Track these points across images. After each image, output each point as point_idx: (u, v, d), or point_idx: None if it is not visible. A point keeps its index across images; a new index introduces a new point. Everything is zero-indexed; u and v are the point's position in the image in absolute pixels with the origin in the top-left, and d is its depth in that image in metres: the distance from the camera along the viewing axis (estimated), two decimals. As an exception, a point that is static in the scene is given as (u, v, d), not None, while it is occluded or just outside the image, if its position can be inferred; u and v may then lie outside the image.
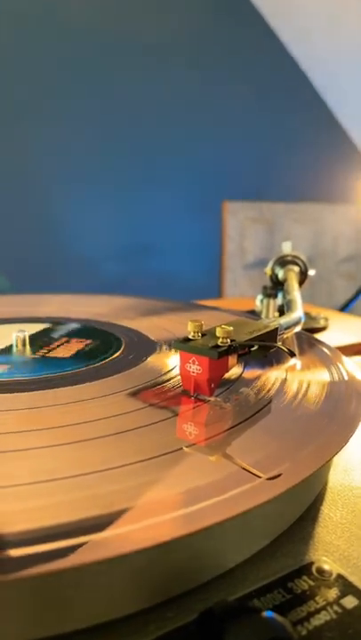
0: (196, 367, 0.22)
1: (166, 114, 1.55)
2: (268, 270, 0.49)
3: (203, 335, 0.23)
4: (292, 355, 0.23)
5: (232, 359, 0.23)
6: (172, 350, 0.30)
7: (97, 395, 0.23)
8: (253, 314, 0.51)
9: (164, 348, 0.31)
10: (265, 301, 0.49)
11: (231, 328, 0.22)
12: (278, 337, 0.27)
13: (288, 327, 0.29)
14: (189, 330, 0.23)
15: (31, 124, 1.38)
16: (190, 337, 0.23)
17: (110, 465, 0.17)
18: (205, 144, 1.62)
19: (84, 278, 1.47)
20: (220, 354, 0.21)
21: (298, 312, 0.32)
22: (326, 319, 0.54)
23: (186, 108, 1.57)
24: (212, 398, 0.23)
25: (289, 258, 0.49)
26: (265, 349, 0.25)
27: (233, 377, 0.26)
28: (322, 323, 0.52)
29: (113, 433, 0.20)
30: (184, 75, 1.54)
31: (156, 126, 1.54)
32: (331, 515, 0.20)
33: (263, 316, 0.49)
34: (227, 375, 0.25)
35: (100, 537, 0.13)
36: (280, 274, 0.48)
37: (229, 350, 0.22)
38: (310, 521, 0.20)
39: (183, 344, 0.22)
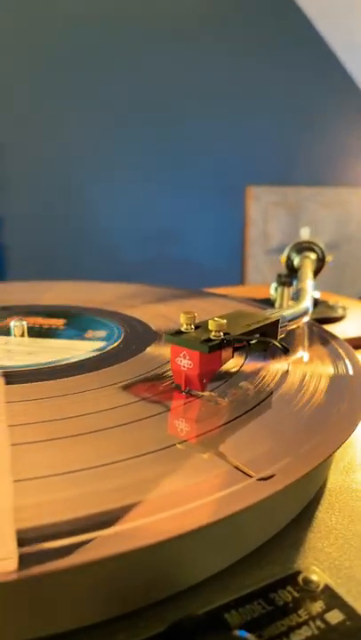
0: (187, 362, 0.21)
1: (191, 99, 1.52)
2: (283, 257, 0.48)
3: (196, 328, 0.22)
4: (286, 351, 0.21)
5: (226, 353, 0.22)
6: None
7: (88, 388, 0.23)
8: (269, 302, 0.49)
9: (164, 338, 0.30)
10: (279, 289, 0.47)
11: (224, 321, 0.21)
12: (281, 329, 0.26)
13: (293, 319, 0.27)
14: (181, 322, 0.22)
15: (58, 113, 1.37)
16: (183, 329, 0.22)
17: (91, 464, 0.16)
18: (230, 129, 1.59)
19: (106, 265, 1.47)
20: (212, 348, 0.20)
21: (306, 303, 0.31)
22: (345, 308, 0.51)
23: (210, 93, 1.54)
24: (205, 393, 0.22)
25: (306, 244, 0.47)
26: (264, 343, 0.24)
27: (232, 370, 0.25)
28: (339, 312, 0.50)
29: (101, 428, 0.19)
30: (210, 60, 1.51)
31: (180, 111, 1.52)
32: (326, 519, 0.19)
33: (277, 304, 0.47)
34: (225, 368, 0.23)
35: (82, 539, 0.13)
36: (296, 261, 0.46)
37: (222, 344, 0.21)
38: (303, 525, 0.19)
39: (174, 337, 0.21)
